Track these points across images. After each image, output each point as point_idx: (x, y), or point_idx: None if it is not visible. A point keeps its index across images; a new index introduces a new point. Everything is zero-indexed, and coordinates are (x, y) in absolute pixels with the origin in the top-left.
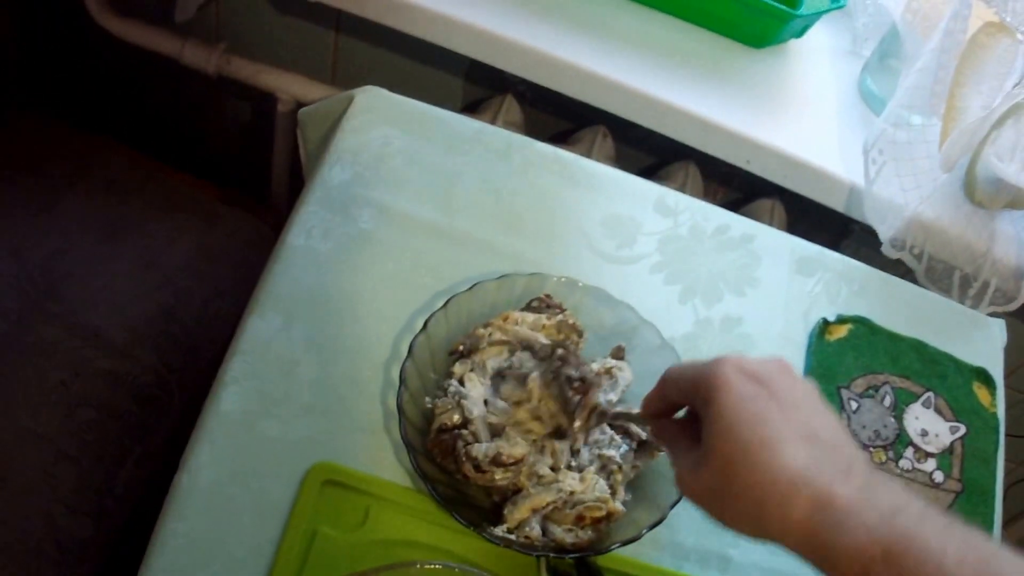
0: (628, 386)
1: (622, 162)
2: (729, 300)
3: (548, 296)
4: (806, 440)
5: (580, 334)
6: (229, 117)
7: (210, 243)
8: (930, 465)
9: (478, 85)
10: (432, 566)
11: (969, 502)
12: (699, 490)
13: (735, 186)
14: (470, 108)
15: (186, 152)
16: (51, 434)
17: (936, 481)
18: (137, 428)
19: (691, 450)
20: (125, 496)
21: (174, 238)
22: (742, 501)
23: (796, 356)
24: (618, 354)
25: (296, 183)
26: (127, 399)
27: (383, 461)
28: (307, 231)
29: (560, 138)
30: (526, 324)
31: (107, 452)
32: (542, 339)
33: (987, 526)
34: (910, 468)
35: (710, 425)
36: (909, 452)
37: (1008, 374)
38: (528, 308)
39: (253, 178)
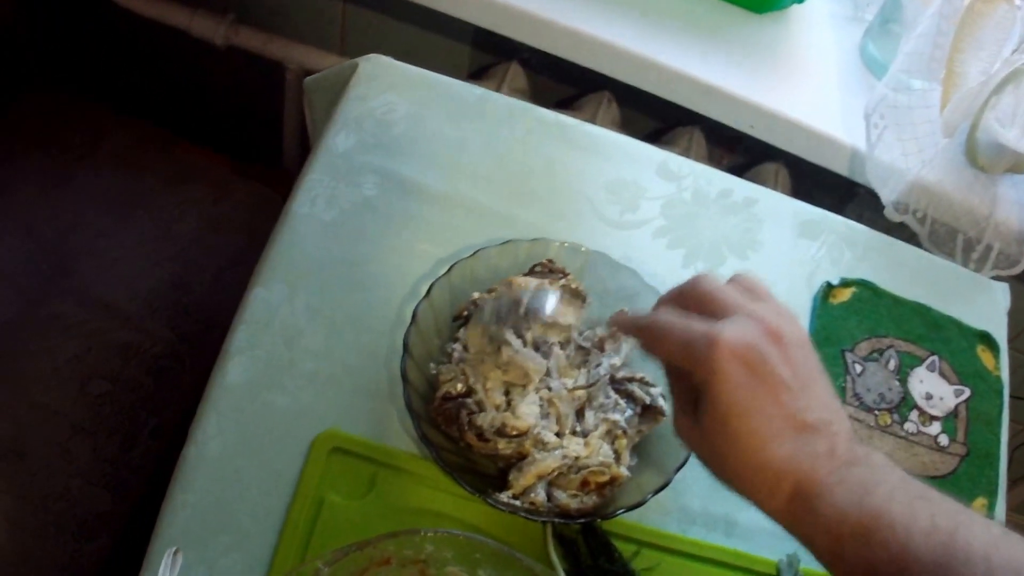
0: (632, 350)
1: (627, 127)
2: (732, 264)
3: (551, 261)
4: (793, 429)
5: (583, 299)
6: (238, 88)
7: (221, 214)
8: (935, 428)
9: (484, 52)
10: (437, 534)
11: (974, 465)
12: (696, 450)
13: (739, 151)
14: (476, 75)
15: (197, 124)
16: (66, 409)
17: (941, 444)
18: (151, 400)
19: (683, 392)
20: (141, 468)
21: (185, 210)
22: (733, 481)
23: (800, 319)
24: None
25: (307, 152)
26: (141, 371)
27: (389, 428)
28: (311, 199)
29: (565, 104)
30: (530, 289)
31: (122, 425)
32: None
33: (992, 488)
34: (915, 431)
35: (705, 405)
36: (914, 415)
37: (1012, 337)
38: (531, 273)
39: (264, 148)
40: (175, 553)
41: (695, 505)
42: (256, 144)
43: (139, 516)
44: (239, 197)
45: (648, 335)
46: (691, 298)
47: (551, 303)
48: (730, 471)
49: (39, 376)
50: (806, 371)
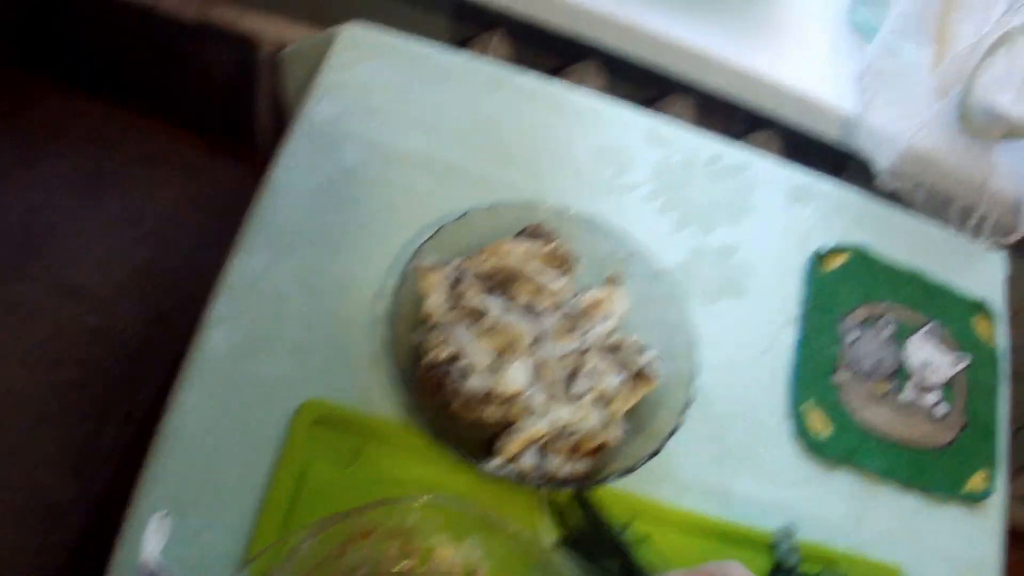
0: (625, 314)
1: (614, 98)
2: (724, 229)
3: (539, 225)
4: None
5: (573, 263)
6: (209, 65)
7: (194, 193)
8: (933, 398)
9: (465, 23)
10: (425, 500)
11: (974, 436)
12: None
13: (729, 122)
14: (458, 47)
15: (167, 103)
16: (32, 395)
17: (940, 414)
18: (123, 384)
19: None
20: (111, 454)
21: (156, 189)
22: None
23: (793, 285)
24: (613, 281)
25: (280, 130)
26: (111, 356)
27: (375, 397)
28: (293, 167)
29: (551, 75)
30: (518, 253)
31: (92, 410)
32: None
33: (990, 461)
34: (911, 401)
35: None
36: (911, 384)
37: (1014, 313)
38: (519, 237)
39: (237, 126)
40: (164, 517)
41: (688, 475)
42: (228, 122)
43: (109, 502)
44: (211, 176)
45: None
46: None
47: None
48: None
49: (5, 360)
50: None
